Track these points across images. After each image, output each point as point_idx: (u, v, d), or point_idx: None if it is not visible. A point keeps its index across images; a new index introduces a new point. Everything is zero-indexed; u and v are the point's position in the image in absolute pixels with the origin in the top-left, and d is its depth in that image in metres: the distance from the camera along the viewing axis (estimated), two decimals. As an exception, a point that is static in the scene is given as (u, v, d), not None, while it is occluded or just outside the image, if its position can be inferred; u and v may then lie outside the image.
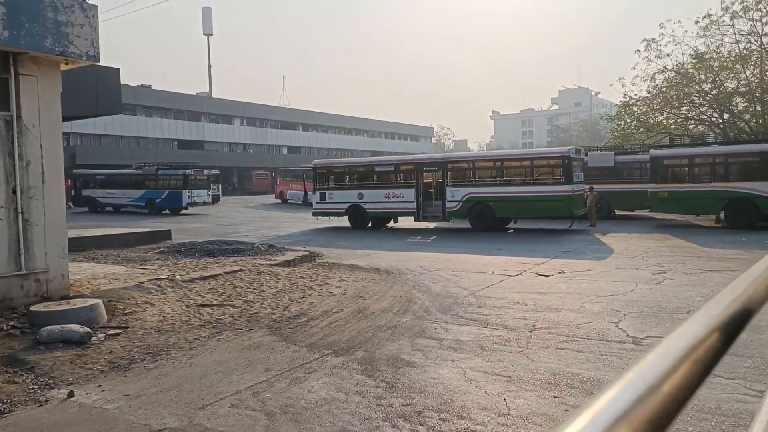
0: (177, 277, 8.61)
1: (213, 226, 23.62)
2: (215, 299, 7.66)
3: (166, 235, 15.14)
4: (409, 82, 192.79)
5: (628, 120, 30.80)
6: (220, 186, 44.44)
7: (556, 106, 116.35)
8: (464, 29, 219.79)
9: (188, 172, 32.08)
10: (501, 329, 6.36)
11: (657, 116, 29.98)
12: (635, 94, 30.33)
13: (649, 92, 29.79)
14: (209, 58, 75.72)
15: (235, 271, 9.55)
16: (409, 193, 19.69)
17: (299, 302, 7.81)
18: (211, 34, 77.68)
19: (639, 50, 29.07)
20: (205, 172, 33.70)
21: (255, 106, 73.74)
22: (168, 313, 6.92)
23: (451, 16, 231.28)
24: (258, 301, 7.70)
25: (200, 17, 77.74)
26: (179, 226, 23.61)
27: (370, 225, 20.83)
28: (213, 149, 69.06)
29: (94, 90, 13.22)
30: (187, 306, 7.23)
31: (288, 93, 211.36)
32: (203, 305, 7.27)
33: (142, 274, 8.77)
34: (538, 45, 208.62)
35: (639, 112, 30.39)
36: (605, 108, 78.85)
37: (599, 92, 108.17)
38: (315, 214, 21.70)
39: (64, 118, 15.80)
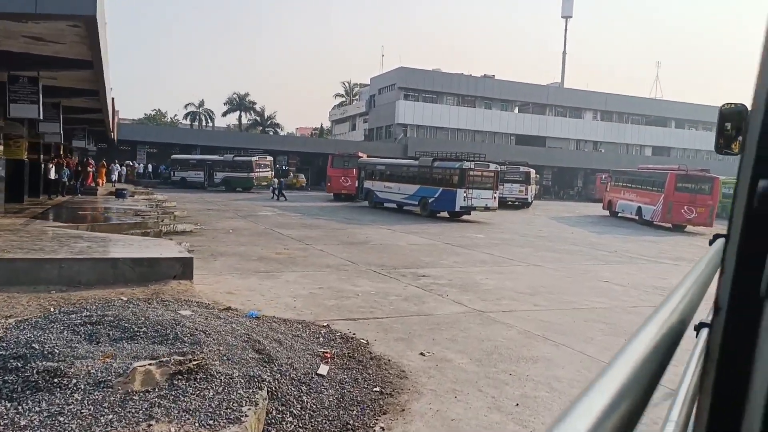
0: None
1: (438, 245, 15.05)
2: None
3: (176, 268, 7.34)
4: None
5: None
6: (531, 187, 35.20)
7: None
8: None
9: (466, 165, 24.19)
10: None
11: None
12: None
13: None
14: (565, 44, 66.15)
15: None
16: None
17: None
18: (570, 17, 67.80)
19: None
20: (492, 167, 25.17)
21: (613, 97, 61.05)
22: None
23: None
24: None
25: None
26: (391, 240, 15.81)
27: None
28: (556, 146, 59.76)
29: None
30: None
31: (662, 83, 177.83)
32: None
33: None
34: None
35: None
36: None
37: None
38: None
39: None
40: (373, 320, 7.08)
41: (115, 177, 29.19)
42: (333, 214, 24.43)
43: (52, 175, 19.40)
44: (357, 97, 69.78)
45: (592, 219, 28.71)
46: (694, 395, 0.87)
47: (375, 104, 60.82)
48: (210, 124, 66.60)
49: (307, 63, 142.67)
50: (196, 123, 65.78)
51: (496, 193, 25.17)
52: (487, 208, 24.76)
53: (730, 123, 1.57)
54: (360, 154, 34.25)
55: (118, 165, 29.72)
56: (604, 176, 37.16)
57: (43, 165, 20.94)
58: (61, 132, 14.51)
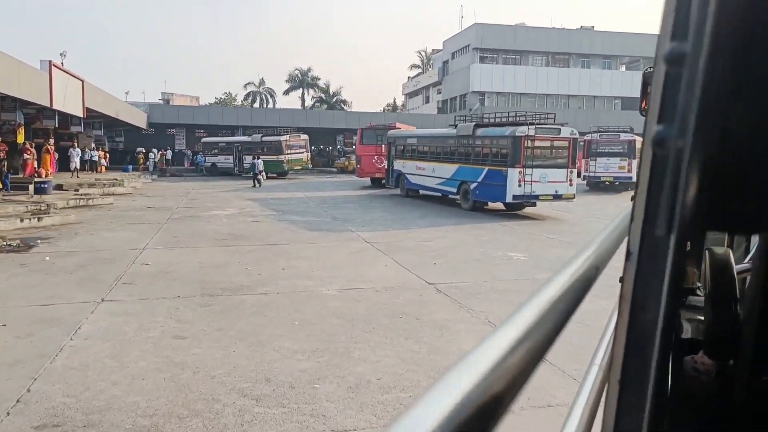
0: None
1: (404, 290, 7.14)
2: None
3: None
4: None
5: None
6: (638, 162, 25.42)
7: None
8: None
9: (521, 131, 15.66)
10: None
11: None
12: None
13: None
14: (688, -18, 53.10)
15: None
16: None
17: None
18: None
19: None
20: (566, 132, 16.36)
21: (753, 43, 47.52)
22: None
23: None
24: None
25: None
26: (317, 278, 7.91)
27: None
28: (674, 110, 47.83)
29: None
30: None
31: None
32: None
33: None
34: None
35: None
36: None
37: None
38: None
39: None
40: None
41: (74, 165, 23.57)
42: (331, 209, 17.02)
43: None
44: (431, 65, 61.27)
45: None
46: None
47: (448, 71, 52.20)
48: (271, 104, 61.30)
49: (382, 34, 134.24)
50: (257, 104, 60.74)
51: (572, 172, 16.42)
52: (557, 197, 16.14)
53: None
54: (398, 125, 26.29)
55: (78, 150, 24.16)
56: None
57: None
58: None
